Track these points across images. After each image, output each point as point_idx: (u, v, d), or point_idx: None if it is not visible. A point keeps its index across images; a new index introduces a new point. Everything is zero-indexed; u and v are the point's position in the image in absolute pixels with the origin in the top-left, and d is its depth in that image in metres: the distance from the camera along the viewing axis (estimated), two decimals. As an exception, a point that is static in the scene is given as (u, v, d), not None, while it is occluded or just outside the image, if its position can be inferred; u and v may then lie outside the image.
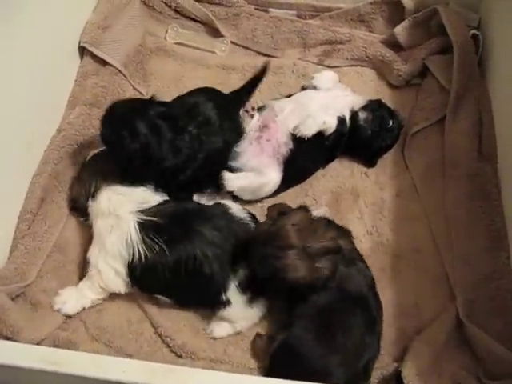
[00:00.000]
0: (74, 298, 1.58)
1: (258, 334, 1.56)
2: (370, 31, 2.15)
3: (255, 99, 1.97)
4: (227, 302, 1.50)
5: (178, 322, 1.59)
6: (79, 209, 1.66)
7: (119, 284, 1.55)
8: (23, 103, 1.69)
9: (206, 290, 1.51)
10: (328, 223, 1.50)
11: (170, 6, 2.15)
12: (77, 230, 1.72)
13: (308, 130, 1.71)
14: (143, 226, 1.50)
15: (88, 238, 1.68)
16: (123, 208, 1.53)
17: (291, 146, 1.73)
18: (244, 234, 1.51)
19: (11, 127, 1.64)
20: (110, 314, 1.60)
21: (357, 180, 1.83)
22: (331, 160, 1.84)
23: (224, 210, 1.57)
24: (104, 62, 1.96)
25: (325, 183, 1.82)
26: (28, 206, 1.70)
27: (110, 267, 1.53)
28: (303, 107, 1.75)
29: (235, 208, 1.59)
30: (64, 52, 1.94)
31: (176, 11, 2.15)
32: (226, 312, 1.52)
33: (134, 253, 1.49)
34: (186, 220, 1.53)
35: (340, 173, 1.84)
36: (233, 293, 1.50)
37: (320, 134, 1.73)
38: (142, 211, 1.53)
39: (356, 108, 1.80)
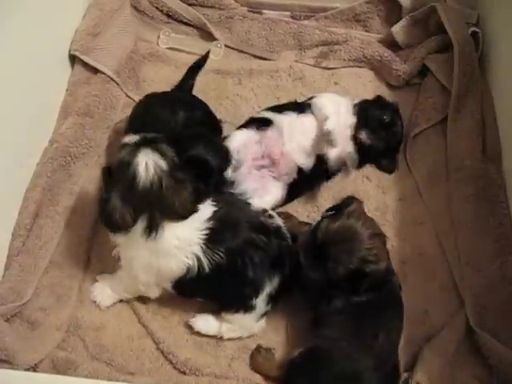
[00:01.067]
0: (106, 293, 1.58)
1: (259, 346, 1.53)
2: (366, 31, 2.12)
3: (252, 104, 1.94)
4: (252, 308, 1.47)
5: (181, 337, 1.56)
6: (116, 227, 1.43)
7: (156, 292, 1.53)
8: (14, 115, 1.65)
9: (242, 292, 1.47)
10: None
11: (161, 11, 2.10)
12: (72, 245, 1.67)
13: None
14: (206, 242, 1.43)
15: (84, 251, 1.66)
16: (190, 241, 1.43)
17: (295, 175, 1.69)
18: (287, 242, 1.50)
19: (2, 140, 1.60)
20: (109, 330, 1.57)
21: (359, 184, 1.80)
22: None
23: (268, 218, 1.53)
24: (95, 70, 1.92)
25: (327, 188, 1.78)
26: (22, 222, 1.66)
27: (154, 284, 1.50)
28: (306, 139, 1.70)
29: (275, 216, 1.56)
30: (54, 61, 1.90)
31: (168, 15, 2.11)
32: (241, 316, 1.48)
33: (189, 269, 1.42)
34: (236, 222, 1.48)
35: (342, 177, 1.80)
36: (260, 300, 1.47)
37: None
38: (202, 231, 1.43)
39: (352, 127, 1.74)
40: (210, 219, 1.43)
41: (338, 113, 1.72)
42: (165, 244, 1.39)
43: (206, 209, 1.45)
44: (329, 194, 1.77)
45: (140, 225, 1.36)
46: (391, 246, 1.68)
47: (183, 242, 1.40)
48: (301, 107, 1.75)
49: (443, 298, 1.61)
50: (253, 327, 1.53)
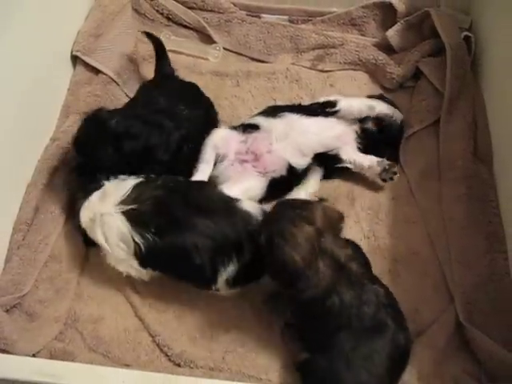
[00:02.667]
0: None
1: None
2: (362, 35, 2.15)
3: (249, 106, 1.98)
4: (217, 290, 1.51)
5: (176, 331, 1.58)
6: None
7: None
8: (16, 113, 1.68)
9: (200, 277, 1.50)
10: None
11: (162, 14, 2.15)
12: (72, 239, 1.70)
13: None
14: (129, 217, 1.48)
15: (83, 246, 1.68)
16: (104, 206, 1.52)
17: (284, 173, 1.71)
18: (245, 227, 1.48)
19: (4, 137, 1.63)
20: (106, 323, 1.59)
21: (353, 184, 1.82)
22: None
23: (229, 202, 1.53)
24: (97, 71, 1.96)
25: (320, 187, 1.80)
26: (23, 217, 1.69)
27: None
28: (302, 141, 1.72)
29: (245, 202, 1.55)
30: (56, 61, 1.94)
31: (168, 18, 2.15)
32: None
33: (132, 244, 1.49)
34: (173, 207, 1.50)
35: (335, 176, 1.83)
36: (220, 284, 1.49)
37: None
38: (122, 202, 1.50)
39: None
40: (128, 198, 1.50)
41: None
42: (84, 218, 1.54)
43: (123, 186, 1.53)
44: (323, 191, 1.79)
45: None
46: (383, 244, 1.71)
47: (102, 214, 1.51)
48: (306, 110, 1.78)
49: (435, 296, 1.62)
50: None
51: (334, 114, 1.76)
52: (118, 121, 1.60)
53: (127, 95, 1.98)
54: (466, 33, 1.98)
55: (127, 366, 1.51)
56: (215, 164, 1.71)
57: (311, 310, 1.37)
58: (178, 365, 1.52)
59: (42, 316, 1.57)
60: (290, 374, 1.47)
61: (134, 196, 1.51)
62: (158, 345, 1.55)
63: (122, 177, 1.57)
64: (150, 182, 1.56)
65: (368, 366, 1.31)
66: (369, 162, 1.73)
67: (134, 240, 1.47)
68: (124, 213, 1.48)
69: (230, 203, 1.53)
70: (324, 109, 1.78)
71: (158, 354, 1.55)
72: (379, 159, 1.73)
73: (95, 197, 1.54)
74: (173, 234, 1.47)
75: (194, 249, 1.45)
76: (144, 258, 1.50)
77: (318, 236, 1.32)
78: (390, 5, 2.08)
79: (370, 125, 1.80)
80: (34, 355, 1.50)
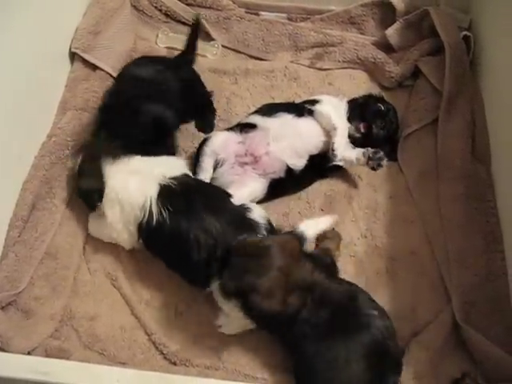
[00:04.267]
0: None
1: None
2: (361, 33, 2.15)
3: (247, 103, 1.97)
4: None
5: (172, 329, 1.57)
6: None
7: (126, 240, 1.62)
8: (13, 109, 1.68)
9: (195, 273, 1.52)
10: (314, 259, 1.43)
11: (160, 10, 2.14)
12: (68, 236, 1.69)
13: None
14: (161, 190, 1.54)
15: (79, 243, 1.68)
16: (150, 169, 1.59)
17: (282, 174, 1.71)
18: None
19: (1, 133, 1.62)
20: (102, 321, 1.59)
21: (350, 182, 1.82)
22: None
23: (239, 209, 1.56)
24: (94, 67, 1.95)
25: (318, 186, 1.81)
26: (19, 213, 1.69)
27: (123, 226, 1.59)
28: (299, 141, 1.72)
29: (256, 211, 1.57)
30: (54, 58, 1.93)
31: (166, 15, 2.15)
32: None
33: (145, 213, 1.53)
34: (195, 198, 1.54)
35: (333, 175, 1.82)
36: (215, 291, 1.46)
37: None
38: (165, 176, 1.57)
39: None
40: (173, 178, 1.56)
41: (340, 117, 1.77)
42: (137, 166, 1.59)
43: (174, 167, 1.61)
44: (320, 190, 1.80)
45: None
46: (381, 243, 1.71)
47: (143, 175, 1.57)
48: (298, 110, 1.77)
49: (432, 295, 1.62)
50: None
51: (311, 112, 1.75)
52: None
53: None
54: (465, 32, 1.98)
55: (123, 364, 1.51)
56: (215, 169, 1.72)
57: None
58: (174, 363, 1.52)
59: (37, 313, 1.57)
60: (285, 373, 1.47)
61: (173, 176, 1.57)
62: (153, 343, 1.55)
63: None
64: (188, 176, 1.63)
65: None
66: (356, 155, 1.72)
67: (150, 209, 1.51)
68: (160, 184, 1.54)
69: (241, 211, 1.55)
70: (308, 106, 1.78)
71: (154, 352, 1.55)
72: (364, 150, 1.70)
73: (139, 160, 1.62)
74: (183, 219, 1.49)
75: (196, 243, 1.47)
76: (148, 232, 1.53)
77: (284, 276, 1.32)
78: (390, 3, 2.08)
79: (352, 130, 1.79)
80: (29, 353, 1.50)
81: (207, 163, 1.71)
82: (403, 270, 1.67)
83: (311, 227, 1.51)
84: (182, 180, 1.57)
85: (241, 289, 1.31)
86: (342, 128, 1.75)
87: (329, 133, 1.73)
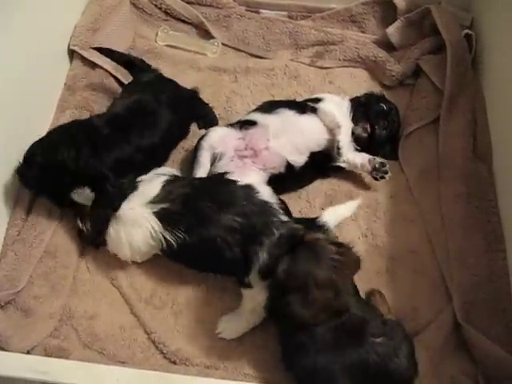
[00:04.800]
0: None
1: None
2: (362, 32, 2.14)
3: (247, 102, 1.96)
4: (249, 285, 1.47)
5: (172, 328, 1.57)
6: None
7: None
8: (12, 108, 1.67)
9: (233, 269, 1.51)
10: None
11: (160, 8, 2.13)
12: (67, 235, 1.68)
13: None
14: (160, 216, 1.51)
15: (78, 242, 1.68)
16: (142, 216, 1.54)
17: (282, 170, 1.71)
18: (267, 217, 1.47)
19: (0, 132, 1.62)
20: (102, 320, 1.58)
21: (350, 182, 1.81)
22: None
23: (248, 193, 1.53)
24: (94, 65, 1.94)
25: (319, 185, 1.80)
26: (18, 212, 1.68)
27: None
28: (300, 137, 1.71)
29: (264, 191, 1.55)
30: (53, 56, 1.92)
31: (166, 13, 2.14)
32: (249, 293, 1.49)
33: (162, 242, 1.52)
34: (201, 204, 1.51)
35: (334, 174, 1.82)
36: (254, 277, 1.45)
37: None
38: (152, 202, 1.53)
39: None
40: (158, 197, 1.53)
41: (344, 115, 1.76)
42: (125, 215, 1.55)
43: (153, 186, 1.56)
44: (321, 190, 1.79)
45: None
46: (381, 242, 1.70)
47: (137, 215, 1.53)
48: (300, 107, 1.77)
49: (432, 295, 1.61)
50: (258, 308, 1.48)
51: (314, 110, 1.75)
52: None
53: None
54: (466, 30, 1.98)
55: (122, 363, 1.51)
56: (213, 163, 1.71)
57: None
58: (174, 362, 1.52)
59: (36, 312, 1.56)
60: (285, 373, 1.46)
61: (162, 195, 1.53)
62: (153, 342, 1.55)
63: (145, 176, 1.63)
64: (176, 181, 1.59)
65: None
66: (361, 160, 1.72)
67: (164, 238, 1.50)
68: (155, 213, 1.51)
69: (250, 194, 1.52)
70: (311, 104, 1.77)
71: (154, 351, 1.54)
72: (371, 157, 1.71)
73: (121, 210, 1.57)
74: (202, 229, 1.48)
75: (224, 243, 1.46)
76: (174, 253, 1.52)
77: (335, 299, 1.29)
78: (390, 1, 2.07)
79: (359, 131, 1.78)
80: (28, 352, 1.50)
81: (204, 157, 1.70)
82: (404, 269, 1.66)
83: (333, 216, 1.58)
84: (168, 197, 1.54)
85: (295, 277, 1.29)
86: (346, 126, 1.74)
87: (332, 131, 1.72)
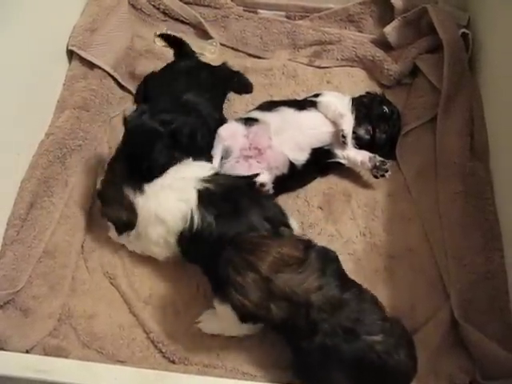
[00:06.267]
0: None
1: None
2: (359, 31, 2.15)
3: (245, 101, 1.97)
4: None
5: (171, 327, 1.57)
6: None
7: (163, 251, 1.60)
8: (11, 108, 1.67)
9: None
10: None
11: (158, 9, 2.14)
12: (66, 235, 1.69)
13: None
14: (200, 195, 1.50)
15: (78, 242, 1.68)
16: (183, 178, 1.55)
17: (285, 170, 1.71)
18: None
19: (-1, 132, 1.62)
20: (101, 319, 1.58)
21: (349, 181, 1.82)
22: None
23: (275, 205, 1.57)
24: (92, 66, 1.94)
25: (316, 184, 1.80)
26: (17, 212, 1.68)
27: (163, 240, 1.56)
28: (300, 134, 1.72)
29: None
30: (52, 56, 1.93)
31: (164, 13, 2.15)
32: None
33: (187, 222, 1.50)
34: (239, 198, 1.52)
35: (332, 173, 1.83)
36: None
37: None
38: (202, 179, 1.54)
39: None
40: (207, 181, 1.52)
41: (345, 108, 1.77)
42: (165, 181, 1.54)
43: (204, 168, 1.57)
44: (319, 189, 1.80)
45: None
46: (379, 241, 1.71)
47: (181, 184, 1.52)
48: (299, 104, 1.79)
49: (430, 293, 1.62)
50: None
51: (314, 104, 1.76)
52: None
53: (125, 87, 1.99)
54: (463, 29, 1.98)
55: (121, 362, 1.51)
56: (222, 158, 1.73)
57: None
58: (173, 361, 1.52)
59: (35, 312, 1.56)
60: (283, 371, 1.47)
61: (211, 178, 1.54)
62: (152, 341, 1.55)
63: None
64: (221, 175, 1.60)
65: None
66: (361, 158, 1.73)
67: (192, 217, 1.48)
68: (199, 190, 1.51)
69: (277, 208, 1.57)
70: (311, 100, 1.79)
71: (153, 350, 1.54)
72: (371, 155, 1.72)
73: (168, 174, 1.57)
74: (232, 222, 1.47)
75: None
76: (191, 239, 1.50)
77: (264, 281, 1.30)
78: (388, 1, 2.08)
79: (363, 132, 1.79)
80: (27, 351, 1.50)
81: (217, 148, 1.72)
82: (402, 267, 1.66)
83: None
84: (216, 180, 1.54)
85: (224, 280, 1.32)
86: (348, 116, 1.75)
87: (335, 122, 1.73)
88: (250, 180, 1.62)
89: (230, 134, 1.71)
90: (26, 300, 1.58)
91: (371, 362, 1.30)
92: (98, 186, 1.66)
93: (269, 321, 1.35)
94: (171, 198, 1.53)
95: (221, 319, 1.45)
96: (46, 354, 1.49)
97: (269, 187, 1.68)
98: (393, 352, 1.32)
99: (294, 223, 1.58)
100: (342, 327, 1.30)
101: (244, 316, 1.35)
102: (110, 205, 1.62)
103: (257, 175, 1.63)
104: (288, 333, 1.38)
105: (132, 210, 1.56)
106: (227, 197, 1.51)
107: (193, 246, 1.53)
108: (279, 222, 1.51)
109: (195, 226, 1.48)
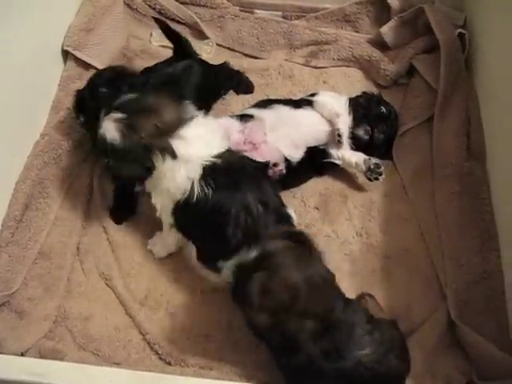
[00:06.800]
0: (159, 245, 1.66)
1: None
2: (356, 31, 2.15)
3: (241, 102, 1.96)
4: (218, 270, 1.49)
5: (167, 329, 1.57)
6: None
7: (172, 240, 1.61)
8: (6, 109, 1.67)
9: (218, 248, 1.48)
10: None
11: (154, 9, 2.13)
12: (62, 236, 1.69)
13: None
14: (205, 170, 1.47)
15: (73, 243, 1.68)
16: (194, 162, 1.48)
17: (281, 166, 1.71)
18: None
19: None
20: (96, 321, 1.58)
21: (345, 181, 1.81)
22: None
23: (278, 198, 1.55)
24: (87, 66, 1.94)
25: (313, 185, 1.80)
26: (12, 214, 1.67)
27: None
28: (295, 132, 1.72)
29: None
30: (47, 57, 1.92)
31: (160, 13, 2.14)
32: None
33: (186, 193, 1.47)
34: (241, 176, 1.50)
35: (328, 174, 1.82)
36: (227, 266, 1.46)
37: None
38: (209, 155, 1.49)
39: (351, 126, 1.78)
40: (217, 157, 1.48)
41: (341, 108, 1.77)
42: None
43: (217, 145, 1.52)
44: (315, 189, 1.79)
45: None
46: (375, 241, 1.71)
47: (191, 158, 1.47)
48: (295, 103, 1.79)
49: (427, 294, 1.62)
50: None
51: (310, 103, 1.76)
52: None
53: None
54: (460, 30, 1.98)
55: (117, 364, 1.50)
56: None
57: None
58: (169, 363, 1.51)
59: (31, 314, 1.56)
60: (280, 373, 1.46)
61: (221, 154, 1.50)
62: (148, 343, 1.55)
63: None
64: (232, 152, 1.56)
65: None
66: (356, 159, 1.72)
67: (192, 189, 1.46)
68: (204, 165, 1.47)
69: (279, 201, 1.55)
70: (307, 99, 1.79)
71: (149, 352, 1.54)
72: (366, 157, 1.72)
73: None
74: (227, 194, 1.45)
75: (234, 219, 1.44)
76: (185, 209, 1.48)
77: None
78: (384, 1, 2.08)
79: (361, 133, 1.79)
80: (22, 354, 1.50)
81: None
82: (398, 268, 1.66)
83: None
84: (226, 157, 1.51)
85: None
86: (345, 116, 1.75)
87: (331, 121, 1.73)
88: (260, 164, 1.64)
89: (224, 129, 1.71)
90: (21, 302, 1.57)
91: (362, 376, 1.29)
92: None
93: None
94: (181, 173, 1.48)
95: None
96: (42, 357, 1.49)
97: (282, 167, 1.69)
98: (382, 360, 1.30)
99: (293, 215, 1.57)
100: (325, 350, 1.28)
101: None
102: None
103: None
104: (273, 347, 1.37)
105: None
106: (230, 173, 1.49)
107: (187, 215, 1.51)
108: (274, 209, 1.50)
109: (193, 198, 1.46)
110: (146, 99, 1.51)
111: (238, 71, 2.00)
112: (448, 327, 1.53)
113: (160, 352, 1.52)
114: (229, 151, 1.54)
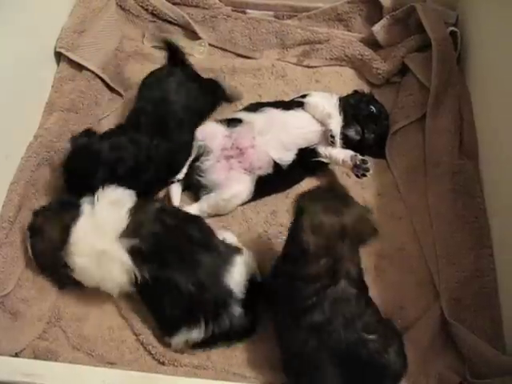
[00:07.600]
0: None
1: None
2: (348, 30, 2.15)
3: (234, 102, 1.96)
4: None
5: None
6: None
7: None
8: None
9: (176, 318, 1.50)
10: None
11: (146, 10, 2.13)
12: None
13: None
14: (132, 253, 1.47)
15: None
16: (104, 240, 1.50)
17: (270, 170, 1.72)
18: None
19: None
20: (90, 322, 1.58)
21: (338, 180, 1.82)
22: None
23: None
24: (80, 68, 1.94)
25: (306, 184, 1.80)
26: (5, 215, 1.67)
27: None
28: (286, 134, 1.73)
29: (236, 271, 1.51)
30: (40, 58, 1.92)
31: (153, 14, 2.14)
32: None
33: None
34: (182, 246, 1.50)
35: (321, 173, 1.82)
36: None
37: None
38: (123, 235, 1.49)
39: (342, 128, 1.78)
40: (128, 230, 1.49)
41: (332, 107, 1.77)
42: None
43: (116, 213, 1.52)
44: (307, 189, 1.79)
45: None
46: (369, 240, 1.71)
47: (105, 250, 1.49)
48: (285, 105, 1.79)
49: (420, 292, 1.62)
50: None
51: (301, 105, 1.77)
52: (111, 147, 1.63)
53: (114, 89, 1.98)
54: (452, 28, 1.98)
55: (111, 364, 1.50)
56: (201, 156, 1.74)
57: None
58: (162, 363, 1.51)
59: (25, 315, 1.56)
60: (274, 372, 1.47)
61: (132, 227, 1.50)
62: (142, 343, 1.55)
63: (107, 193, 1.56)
64: (143, 209, 1.54)
65: None
66: (343, 156, 1.71)
67: (135, 274, 1.47)
68: (127, 249, 1.47)
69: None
70: (298, 101, 1.79)
71: (142, 352, 1.54)
72: (353, 153, 1.70)
73: (86, 225, 1.52)
74: (176, 271, 1.46)
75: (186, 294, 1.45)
76: (142, 287, 1.50)
77: (338, 235, 1.31)
78: (376, 0, 2.08)
79: (352, 133, 1.79)
80: (17, 354, 1.50)
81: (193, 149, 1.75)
82: (391, 266, 1.67)
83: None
84: (144, 233, 1.50)
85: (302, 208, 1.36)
86: (337, 116, 1.76)
87: (323, 122, 1.74)
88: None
89: (207, 135, 1.72)
90: (15, 303, 1.58)
91: (361, 358, 1.30)
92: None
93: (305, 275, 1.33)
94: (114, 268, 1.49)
95: None
96: (36, 357, 1.49)
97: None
98: (383, 352, 1.32)
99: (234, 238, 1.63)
100: (343, 316, 1.30)
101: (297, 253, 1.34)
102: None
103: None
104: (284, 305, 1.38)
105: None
106: (160, 250, 1.49)
107: (150, 291, 1.51)
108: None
109: (146, 278, 1.47)
110: None
111: (216, 82, 1.94)
112: (441, 326, 1.53)
113: (153, 352, 1.52)
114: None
